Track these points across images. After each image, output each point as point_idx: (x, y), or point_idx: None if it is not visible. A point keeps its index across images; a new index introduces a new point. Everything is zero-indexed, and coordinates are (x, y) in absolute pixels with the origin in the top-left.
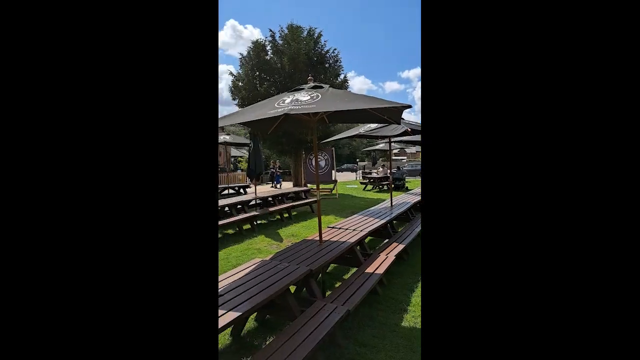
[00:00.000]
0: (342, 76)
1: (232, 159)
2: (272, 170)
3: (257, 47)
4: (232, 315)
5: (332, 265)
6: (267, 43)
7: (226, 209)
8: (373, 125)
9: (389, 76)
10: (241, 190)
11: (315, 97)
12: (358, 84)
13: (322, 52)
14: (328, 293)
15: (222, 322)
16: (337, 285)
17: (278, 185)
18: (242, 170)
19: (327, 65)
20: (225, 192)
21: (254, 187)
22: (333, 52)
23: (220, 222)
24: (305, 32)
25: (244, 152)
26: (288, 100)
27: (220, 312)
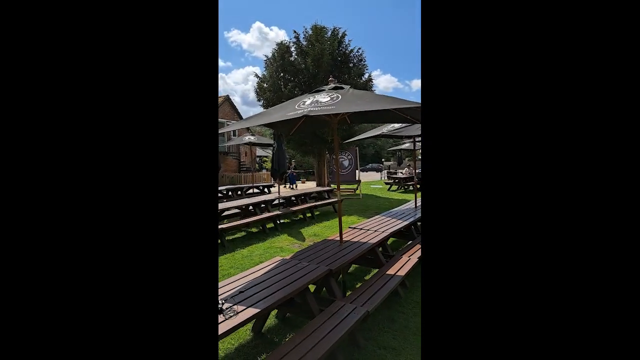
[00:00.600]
0: (366, 75)
1: (257, 159)
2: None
3: (282, 49)
4: (252, 311)
5: (354, 265)
6: (291, 44)
7: (250, 207)
8: (397, 125)
9: (415, 74)
10: (265, 190)
11: (335, 99)
12: (384, 82)
13: (346, 51)
14: (349, 293)
15: (242, 317)
16: (358, 285)
17: (293, 186)
18: (267, 169)
19: (351, 64)
20: (250, 191)
21: (277, 187)
22: (357, 52)
23: (244, 221)
24: (330, 33)
25: (268, 152)
26: (308, 101)
27: (240, 307)
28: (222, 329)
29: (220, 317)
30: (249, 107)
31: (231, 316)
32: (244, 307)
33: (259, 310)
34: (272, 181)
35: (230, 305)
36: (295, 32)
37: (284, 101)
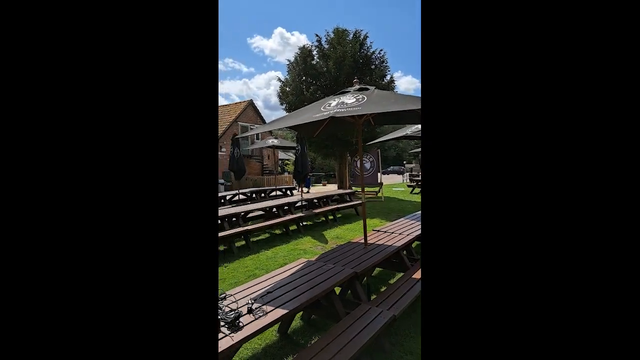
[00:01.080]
0: (388, 77)
1: (279, 162)
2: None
3: (304, 53)
4: (280, 312)
5: (377, 269)
6: (313, 48)
7: (274, 209)
8: (420, 126)
9: None
10: (288, 192)
11: (360, 100)
12: (405, 83)
13: (368, 53)
14: (373, 297)
15: (271, 317)
16: (382, 289)
17: (307, 190)
18: (288, 172)
19: (372, 66)
20: (273, 193)
21: (300, 189)
22: (379, 53)
23: (268, 222)
24: (351, 35)
25: (290, 155)
26: (334, 103)
27: (269, 308)
28: (252, 328)
29: (250, 317)
30: (271, 111)
31: (260, 316)
32: (273, 308)
33: (288, 311)
34: (294, 183)
35: (260, 305)
36: (317, 35)
37: (306, 104)
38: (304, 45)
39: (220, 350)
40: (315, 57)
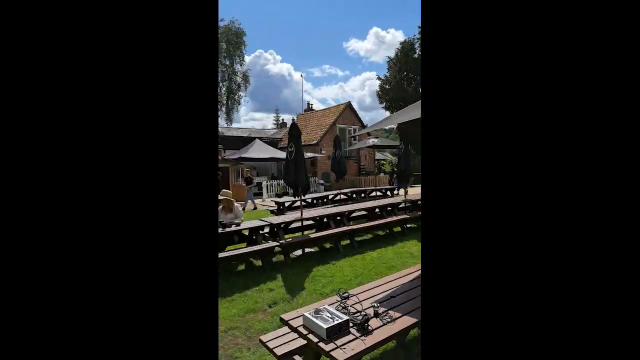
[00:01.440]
0: None
1: (376, 162)
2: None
3: (405, 47)
4: (409, 320)
5: None
6: (415, 41)
7: (376, 210)
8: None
9: None
10: (388, 193)
11: None
12: None
13: None
14: None
15: (399, 325)
16: None
17: (398, 192)
18: (384, 173)
19: None
20: (373, 194)
21: (404, 190)
22: None
23: (372, 223)
24: None
25: (386, 155)
26: None
27: (396, 314)
28: (383, 334)
29: (377, 321)
30: (365, 112)
31: (388, 322)
32: (400, 314)
33: (417, 320)
34: (393, 184)
35: (385, 310)
36: (419, 27)
37: (407, 101)
38: (405, 39)
39: (354, 353)
40: (417, 51)
